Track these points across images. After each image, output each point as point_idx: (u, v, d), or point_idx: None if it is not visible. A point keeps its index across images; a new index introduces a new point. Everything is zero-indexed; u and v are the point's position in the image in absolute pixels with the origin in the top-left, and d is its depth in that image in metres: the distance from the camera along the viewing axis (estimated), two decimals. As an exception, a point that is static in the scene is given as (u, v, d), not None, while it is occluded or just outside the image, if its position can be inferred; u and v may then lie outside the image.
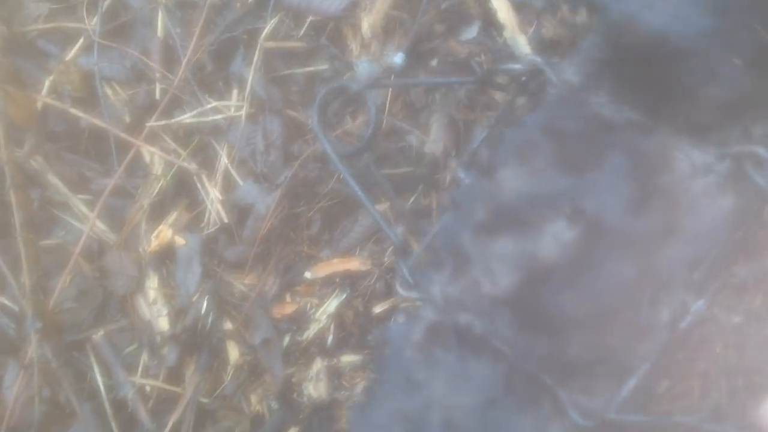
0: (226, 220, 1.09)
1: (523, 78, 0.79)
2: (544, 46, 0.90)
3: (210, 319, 1.08)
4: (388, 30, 1.13)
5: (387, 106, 1.10)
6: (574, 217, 0.66)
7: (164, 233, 1.11)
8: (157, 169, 1.16)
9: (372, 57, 1.12)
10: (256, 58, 1.14)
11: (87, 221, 1.11)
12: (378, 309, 1.10)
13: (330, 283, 1.13)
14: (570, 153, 0.67)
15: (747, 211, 0.64)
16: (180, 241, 1.10)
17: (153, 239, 1.10)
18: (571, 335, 0.66)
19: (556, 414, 0.66)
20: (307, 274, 1.13)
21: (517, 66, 0.81)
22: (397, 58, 1.08)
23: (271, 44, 1.14)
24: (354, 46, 1.14)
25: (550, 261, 0.67)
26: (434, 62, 1.11)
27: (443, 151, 1.09)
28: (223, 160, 1.14)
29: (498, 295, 0.70)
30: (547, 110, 0.70)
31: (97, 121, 1.13)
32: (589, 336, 0.66)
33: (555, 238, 0.67)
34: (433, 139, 1.10)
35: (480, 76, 0.84)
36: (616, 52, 0.69)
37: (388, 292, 1.11)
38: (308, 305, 1.13)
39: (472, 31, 1.09)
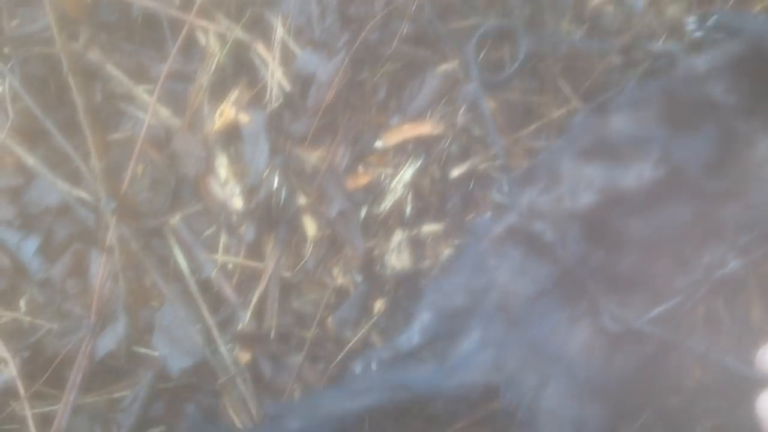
0: (288, 89, 1.04)
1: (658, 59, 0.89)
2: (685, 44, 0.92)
3: (283, 194, 1.06)
4: None
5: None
6: (659, 162, 0.76)
7: (227, 111, 1.08)
8: (213, 48, 1.12)
9: None
10: None
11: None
12: (455, 173, 1.07)
13: (403, 150, 1.09)
14: (674, 112, 0.77)
15: None
16: (244, 118, 1.07)
17: (217, 118, 1.08)
18: (624, 256, 0.77)
19: (590, 314, 0.77)
20: (378, 143, 1.08)
21: (655, 47, 0.90)
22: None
23: None
24: None
25: (628, 191, 0.77)
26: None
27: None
28: (279, 31, 1.08)
29: (575, 210, 0.80)
30: (668, 81, 0.81)
31: (148, 2, 1.09)
32: (639, 259, 0.77)
33: (639, 174, 0.77)
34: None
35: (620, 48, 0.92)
36: (751, 59, 0.78)
37: (465, 153, 1.07)
38: (382, 175, 1.09)
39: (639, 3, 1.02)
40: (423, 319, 0.92)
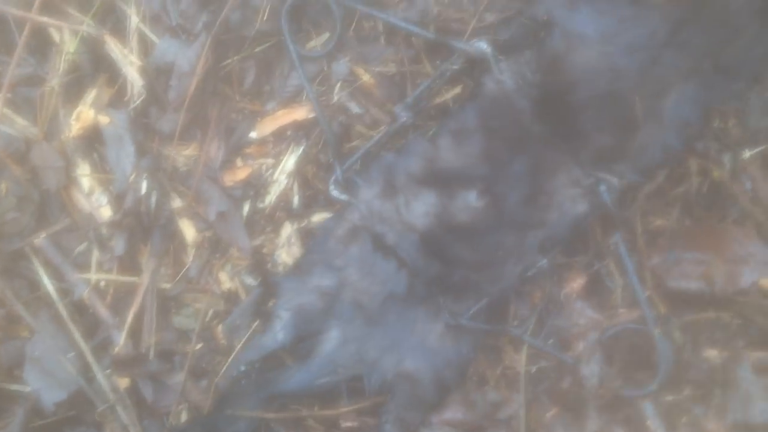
0: (142, 84, 0.95)
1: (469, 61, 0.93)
2: (500, 43, 0.93)
3: (154, 199, 0.97)
4: None
5: None
6: (482, 194, 0.89)
7: (85, 114, 0.98)
8: (68, 45, 1.02)
9: None
10: None
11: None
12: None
13: (282, 138, 1.01)
14: (492, 147, 0.89)
15: (591, 214, 0.90)
16: (104, 119, 0.98)
17: (73, 122, 0.98)
18: (456, 268, 0.91)
19: (438, 312, 0.91)
20: (253, 134, 1.00)
21: (467, 47, 0.92)
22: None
23: None
24: None
25: (457, 216, 0.90)
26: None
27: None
28: (133, 19, 0.99)
29: (412, 223, 0.91)
30: (483, 104, 0.90)
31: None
32: (468, 271, 0.91)
33: (465, 202, 0.89)
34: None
35: (434, 38, 0.94)
36: (545, 74, 0.87)
37: (347, 133, 0.99)
38: (263, 167, 1.01)
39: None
40: (282, 318, 0.93)
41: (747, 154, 0.96)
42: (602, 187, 0.89)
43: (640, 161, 0.89)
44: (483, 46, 0.91)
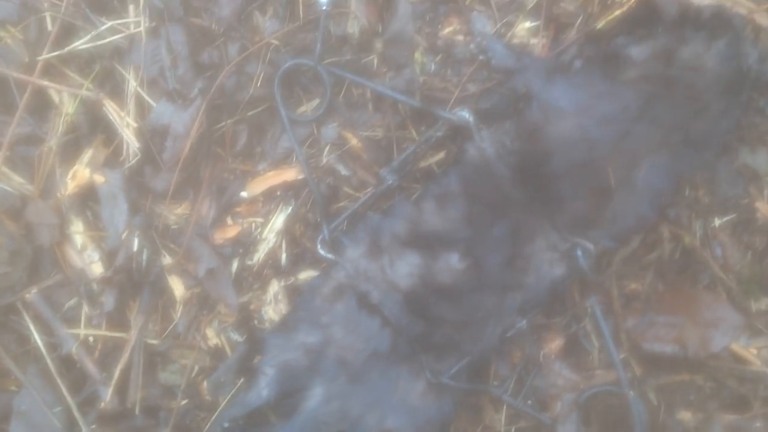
0: (137, 145, 0.99)
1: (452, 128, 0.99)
2: (482, 112, 0.98)
3: (145, 256, 0.99)
4: None
5: None
6: (464, 256, 0.92)
7: (81, 173, 1.01)
8: (67, 107, 1.05)
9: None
10: (144, -36, 1.02)
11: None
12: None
13: (272, 198, 1.04)
14: (474, 212, 0.92)
15: (568, 278, 0.94)
16: (99, 178, 1.01)
17: (69, 181, 1.01)
18: (438, 327, 0.93)
19: (420, 370, 0.93)
20: (244, 193, 1.03)
21: (450, 115, 0.97)
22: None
23: (159, -55, 1.02)
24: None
25: (440, 277, 0.92)
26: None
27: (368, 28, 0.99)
28: (131, 83, 1.03)
29: (396, 283, 0.93)
30: (465, 169, 0.94)
31: (-8, 66, 1.03)
32: (450, 331, 0.93)
33: (448, 264, 0.92)
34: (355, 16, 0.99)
35: (419, 106, 0.99)
36: (524, 143, 0.91)
37: (335, 194, 1.02)
38: (252, 225, 1.04)
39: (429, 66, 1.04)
40: (267, 374, 0.94)
41: (717, 222, 1.00)
42: (578, 252, 0.92)
43: (614, 228, 0.92)
44: (465, 115, 0.96)
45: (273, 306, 1.03)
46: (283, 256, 1.03)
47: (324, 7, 0.99)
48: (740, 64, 0.93)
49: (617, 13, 1.00)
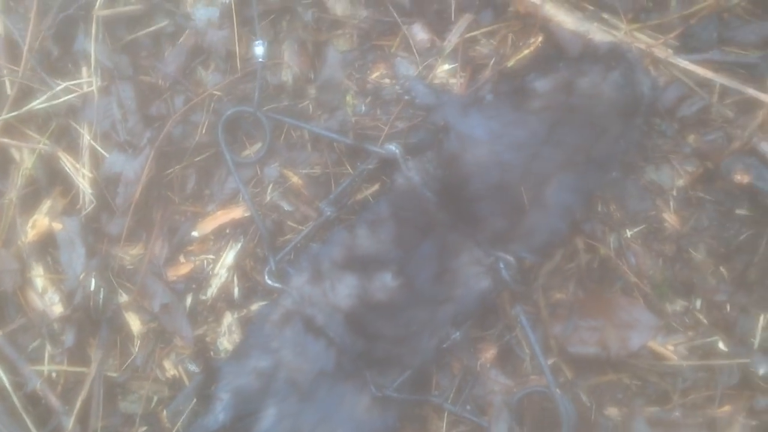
0: (92, 193, 1.07)
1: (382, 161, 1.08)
2: (410, 146, 1.08)
3: (102, 295, 1.06)
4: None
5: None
6: (397, 275, 1.00)
7: (40, 222, 1.09)
8: (27, 162, 1.13)
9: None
10: (94, 30, 1.12)
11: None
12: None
13: (222, 235, 1.12)
14: (403, 233, 1.01)
15: (495, 290, 1.02)
16: (58, 226, 1.08)
17: (29, 230, 1.08)
18: (378, 343, 1.01)
19: (364, 385, 1.00)
20: (195, 233, 1.11)
21: (379, 150, 1.06)
22: (258, 48, 1.10)
23: (106, 12, 1.12)
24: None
25: (376, 295, 1.00)
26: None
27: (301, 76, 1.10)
28: (86, 137, 1.12)
29: (338, 304, 1.01)
30: (394, 196, 1.04)
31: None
32: (389, 346, 1.01)
33: (382, 282, 1.00)
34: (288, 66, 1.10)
35: (352, 143, 1.09)
36: (445, 169, 1.01)
37: (280, 228, 1.10)
38: (205, 262, 1.11)
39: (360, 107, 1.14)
40: (223, 399, 1.00)
41: (629, 233, 1.10)
42: (501, 265, 1.01)
43: (531, 241, 1.02)
44: (393, 148, 1.05)
45: (227, 337, 1.10)
46: (236, 289, 1.11)
47: (260, 59, 1.09)
48: (634, 91, 1.03)
49: (526, 52, 1.12)
